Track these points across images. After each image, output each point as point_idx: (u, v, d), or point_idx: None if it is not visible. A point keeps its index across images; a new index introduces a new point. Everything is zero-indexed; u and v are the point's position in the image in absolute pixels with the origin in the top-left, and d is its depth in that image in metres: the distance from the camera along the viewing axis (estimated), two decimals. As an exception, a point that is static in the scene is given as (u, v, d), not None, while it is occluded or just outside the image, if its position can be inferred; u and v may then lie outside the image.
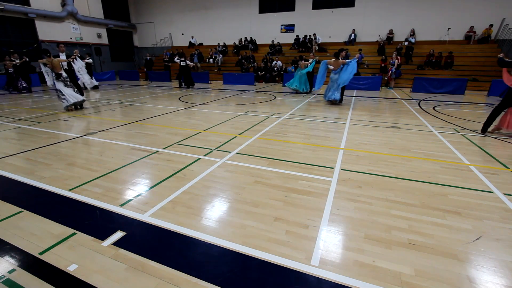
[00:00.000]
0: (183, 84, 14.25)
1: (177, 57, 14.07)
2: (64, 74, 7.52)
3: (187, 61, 13.93)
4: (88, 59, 13.68)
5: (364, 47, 16.75)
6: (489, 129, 5.56)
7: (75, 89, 7.91)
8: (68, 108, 7.69)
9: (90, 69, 13.65)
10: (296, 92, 12.11)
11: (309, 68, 11.55)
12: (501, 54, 6.01)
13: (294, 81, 12.00)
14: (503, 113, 5.40)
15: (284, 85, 14.72)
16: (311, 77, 12.00)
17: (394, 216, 2.54)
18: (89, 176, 3.39)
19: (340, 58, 8.75)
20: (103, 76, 18.69)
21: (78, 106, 7.94)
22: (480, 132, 5.60)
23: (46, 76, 7.93)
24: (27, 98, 10.57)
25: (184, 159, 3.94)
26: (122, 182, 3.22)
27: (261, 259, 1.99)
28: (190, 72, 14.27)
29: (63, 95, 7.44)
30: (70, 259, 1.98)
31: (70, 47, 19.19)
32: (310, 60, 11.60)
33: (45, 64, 7.39)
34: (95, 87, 13.76)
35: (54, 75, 7.35)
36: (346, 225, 2.40)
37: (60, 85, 7.39)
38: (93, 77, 13.78)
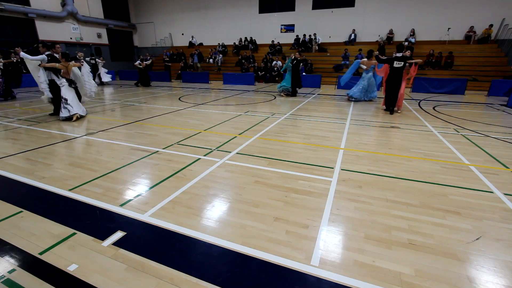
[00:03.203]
0: (139, 83, 15.23)
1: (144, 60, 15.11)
2: (74, 81, 6.68)
3: (140, 62, 14.85)
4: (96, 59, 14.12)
5: (364, 47, 16.68)
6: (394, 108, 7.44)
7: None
8: (67, 118, 6.52)
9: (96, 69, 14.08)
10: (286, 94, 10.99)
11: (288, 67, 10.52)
12: (376, 52, 7.30)
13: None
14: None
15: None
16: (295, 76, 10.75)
17: (394, 216, 2.54)
18: (89, 176, 3.39)
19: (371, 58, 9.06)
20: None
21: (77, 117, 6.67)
22: (389, 113, 7.36)
23: (42, 83, 6.88)
24: (24, 98, 10.56)
25: (184, 159, 3.94)
26: (122, 182, 3.22)
27: (261, 259, 1.99)
28: (145, 72, 14.96)
29: (68, 103, 6.46)
30: (70, 259, 1.97)
31: (71, 47, 19.27)
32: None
33: (52, 70, 6.39)
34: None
35: (65, 81, 6.39)
36: (346, 225, 2.40)
37: (69, 93, 6.45)
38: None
